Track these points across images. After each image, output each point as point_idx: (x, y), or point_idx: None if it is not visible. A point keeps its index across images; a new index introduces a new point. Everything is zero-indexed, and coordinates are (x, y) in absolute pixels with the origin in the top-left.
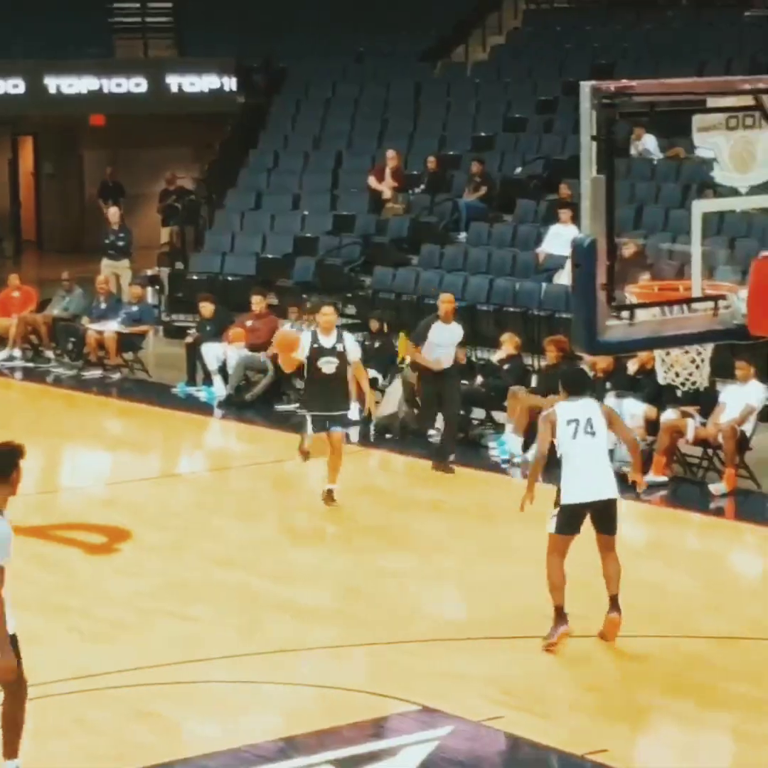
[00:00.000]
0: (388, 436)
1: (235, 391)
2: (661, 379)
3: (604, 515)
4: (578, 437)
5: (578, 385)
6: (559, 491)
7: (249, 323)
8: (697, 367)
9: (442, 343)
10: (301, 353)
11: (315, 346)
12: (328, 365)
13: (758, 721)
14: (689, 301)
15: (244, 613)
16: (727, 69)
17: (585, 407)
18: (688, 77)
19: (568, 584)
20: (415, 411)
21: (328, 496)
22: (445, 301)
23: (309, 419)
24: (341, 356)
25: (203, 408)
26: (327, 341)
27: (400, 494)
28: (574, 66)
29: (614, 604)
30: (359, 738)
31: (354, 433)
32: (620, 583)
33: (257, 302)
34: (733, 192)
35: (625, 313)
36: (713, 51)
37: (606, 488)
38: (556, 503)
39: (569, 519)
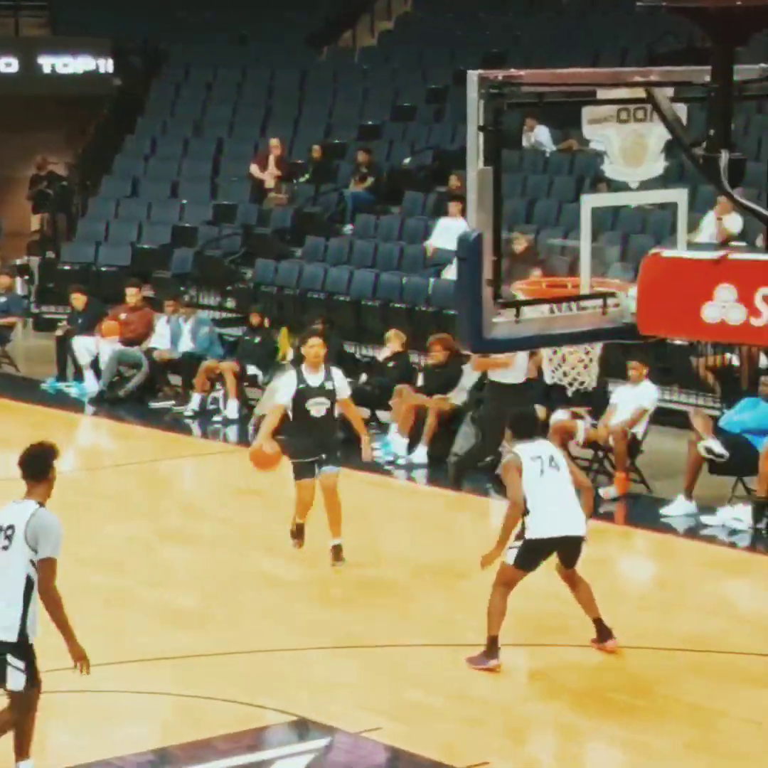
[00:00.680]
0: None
1: (107, 387)
2: (549, 378)
3: (570, 551)
4: (545, 473)
5: (530, 429)
6: (523, 525)
7: (123, 316)
8: (586, 366)
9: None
10: (284, 397)
11: (301, 386)
12: (317, 407)
13: (640, 730)
14: (578, 298)
15: (114, 618)
16: (623, 60)
17: (542, 446)
18: (582, 67)
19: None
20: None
21: (336, 554)
22: None
23: (293, 467)
24: (332, 396)
25: (74, 404)
26: (315, 379)
27: (278, 495)
28: (465, 54)
29: (602, 629)
30: (232, 750)
31: (232, 432)
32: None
33: (132, 294)
34: (624, 187)
35: (511, 310)
36: (608, 41)
37: (574, 524)
38: (520, 536)
39: (531, 554)
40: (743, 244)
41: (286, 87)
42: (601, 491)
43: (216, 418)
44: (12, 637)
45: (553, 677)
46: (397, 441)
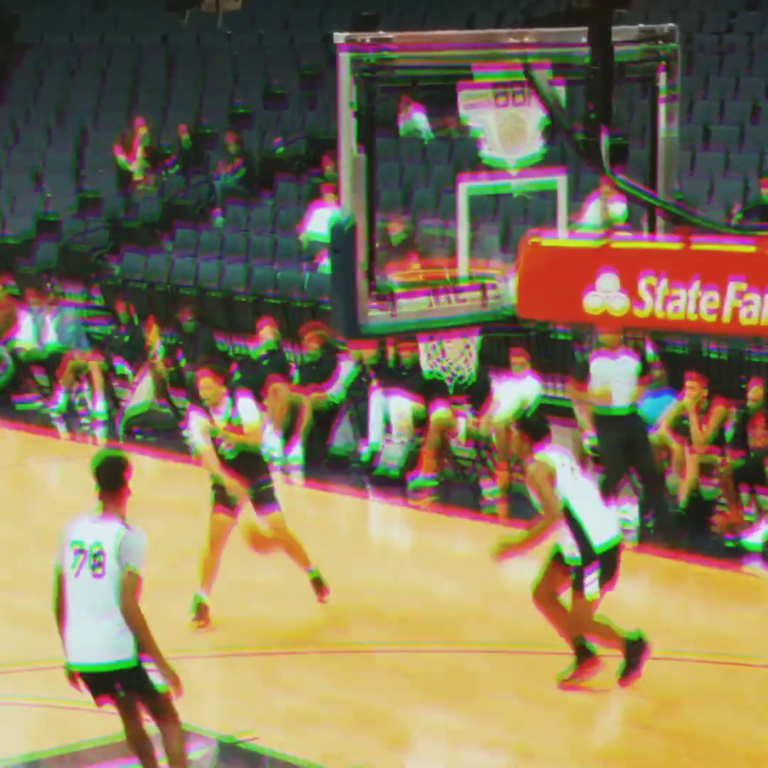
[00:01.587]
0: (137, 433)
1: None
2: (427, 371)
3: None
4: (576, 477)
5: (547, 432)
6: (581, 538)
7: None
8: (465, 359)
9: (610, 377)
10: (202, 441)
11: (212, 429)
12: (230, 449)
13: (521, 732)
14: (456, 285)
15: None
16: (498, 23)
17: (559, 450)
18: (456, 30)
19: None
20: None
21: (318, 587)
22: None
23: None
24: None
25: None
26: (220, 417)
27: (150, 497)
28: (335, 17)
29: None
30: (100, 760)
31: (101, 431)
32: None
33: None
34: (502, 170)
35: (386, 301)
36: (484, 4)
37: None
38: (588, 558)
39: (610, 566)
40: (627, 228)
41: (151, 68)
42: (484, 488)
43: (83, 417)
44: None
45: (432, 680)
46: (271, 439)
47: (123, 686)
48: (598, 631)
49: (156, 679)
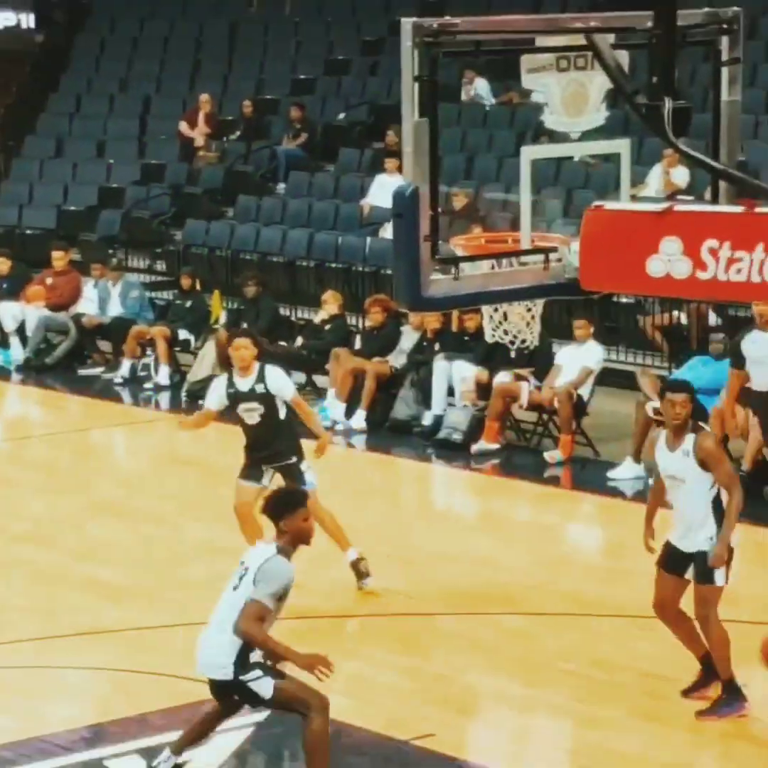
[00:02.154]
0: (201, 402)
1: (34, 354)
2: (489, 337)
3: None
4: None
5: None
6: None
7: (49, 281)
8: (528, 324)
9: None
10: (211, 401)
11: (230, 390)
12: (249, 414)
13: (586, 700)
14: (518, 253)
15: (43, 592)
16: (564, 7)
17: None
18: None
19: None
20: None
21: (357, 568)
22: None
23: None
24: (266, 400)
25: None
26: (244, 383)
27: (213, 464)
28: (401, 4)
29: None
30: (168, 725)
31: (164, 399)
32: None
33: (58, 258)
34: (566, 139)
35: (450, 268)
36: None
37: None
38: (727, 555)
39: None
40: (691, 198)
41: (215, 40)
42: (547, 455)
43: (147, 385)
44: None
45: (497, 647)
46: (335, 406)
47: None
48: (716, 635)
49: (261, 687)
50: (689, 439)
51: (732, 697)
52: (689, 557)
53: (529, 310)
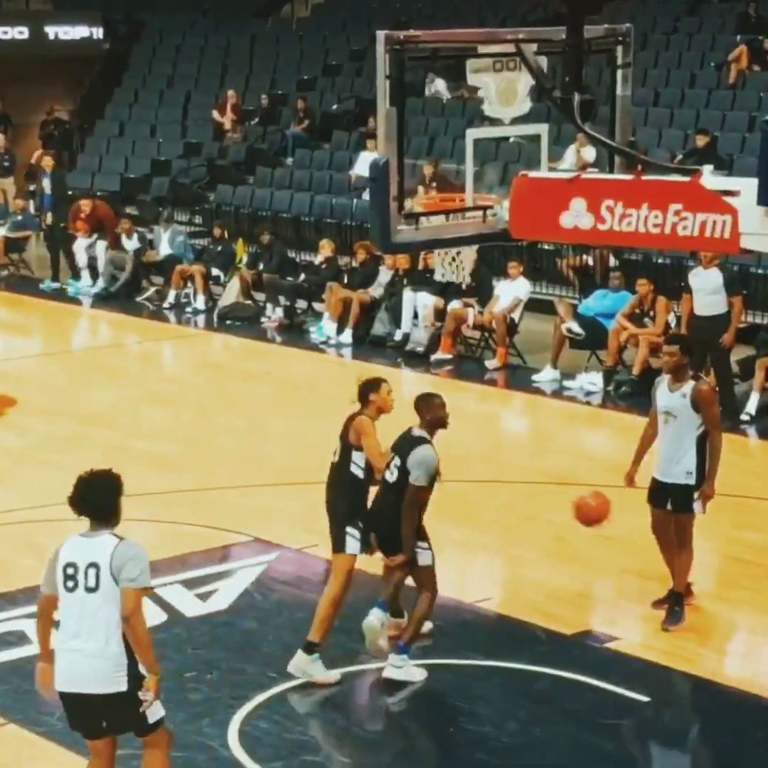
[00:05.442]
0: (228, 322)
1: (108, 285)
2: (439, 275)
3: None
4: None
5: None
6: (702, 460)
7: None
8: (470, 265)
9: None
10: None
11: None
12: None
13: (510, 543)
14: (464, 210)
15: (110, 463)
16: (502, 23)
17: None
18: (468, 29)
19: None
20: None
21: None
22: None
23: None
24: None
25: (73, 300)
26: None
27: (237, 367)
28: (381, 21)
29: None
30: (202, 563)
31: (201, 319)
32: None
33: (86, 204)
34: (501, 123)
35: (413, 221)
36: (491, 12)
37: None
38: (700, 478)
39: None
40: (596, 170)
41: (239, 49)
42: (487, 363)
43: (188, 309)
44: (122, 686)
45: (444, 506)
46: (328, 325)
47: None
48: (686, 558)
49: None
50: (689, 384)
51: (680, 610)
52: (667, 488)
53: (458, 253)
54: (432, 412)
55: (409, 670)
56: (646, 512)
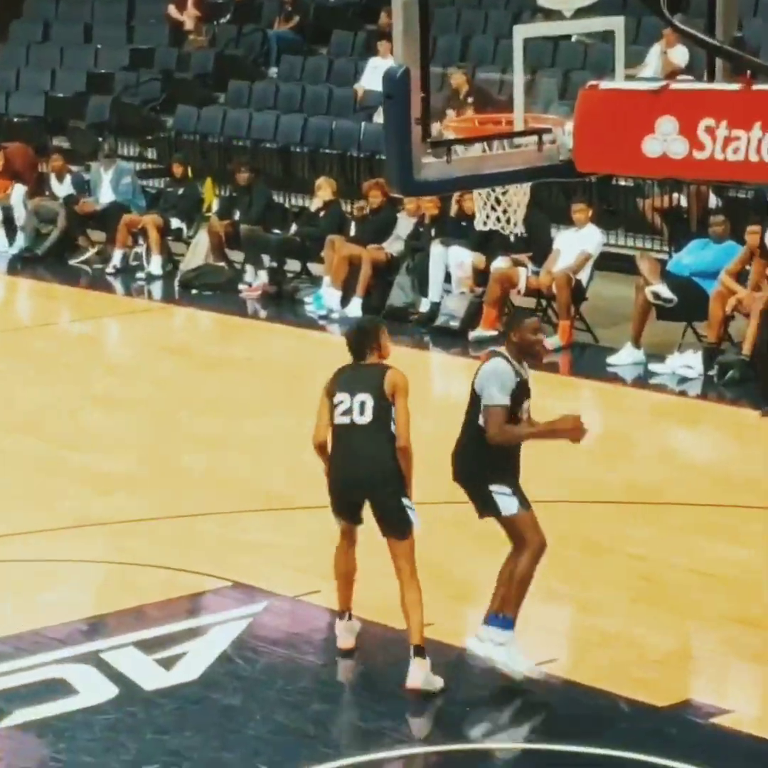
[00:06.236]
0: (194, 291)
1: (30, 244)
2: (480, 224)
3: None
4: None
5: None
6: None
7: None
8: (521, 209)
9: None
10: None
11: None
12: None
13: (585, 585)
14: (511, 135)
15: (40, 483)
16: None
17: None
18: None
19: None
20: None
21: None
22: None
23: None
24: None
25: None
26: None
27: (207, 353)
28: None
29: None
30: (165, 617)
31: (157, 289)
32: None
33: None
34: (560, 16)
35: (442, 150)
36: None
37: None
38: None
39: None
40: (690, 77)
41: None
42: (546, 341)
43: (139, 275)
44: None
45: (495, 534)
46: (330, 294)
47: None
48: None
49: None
50: None
51: None
52: None
53: (525, 195)
54: (520, 334)
55: (512, 653)
56: (762, 544)
